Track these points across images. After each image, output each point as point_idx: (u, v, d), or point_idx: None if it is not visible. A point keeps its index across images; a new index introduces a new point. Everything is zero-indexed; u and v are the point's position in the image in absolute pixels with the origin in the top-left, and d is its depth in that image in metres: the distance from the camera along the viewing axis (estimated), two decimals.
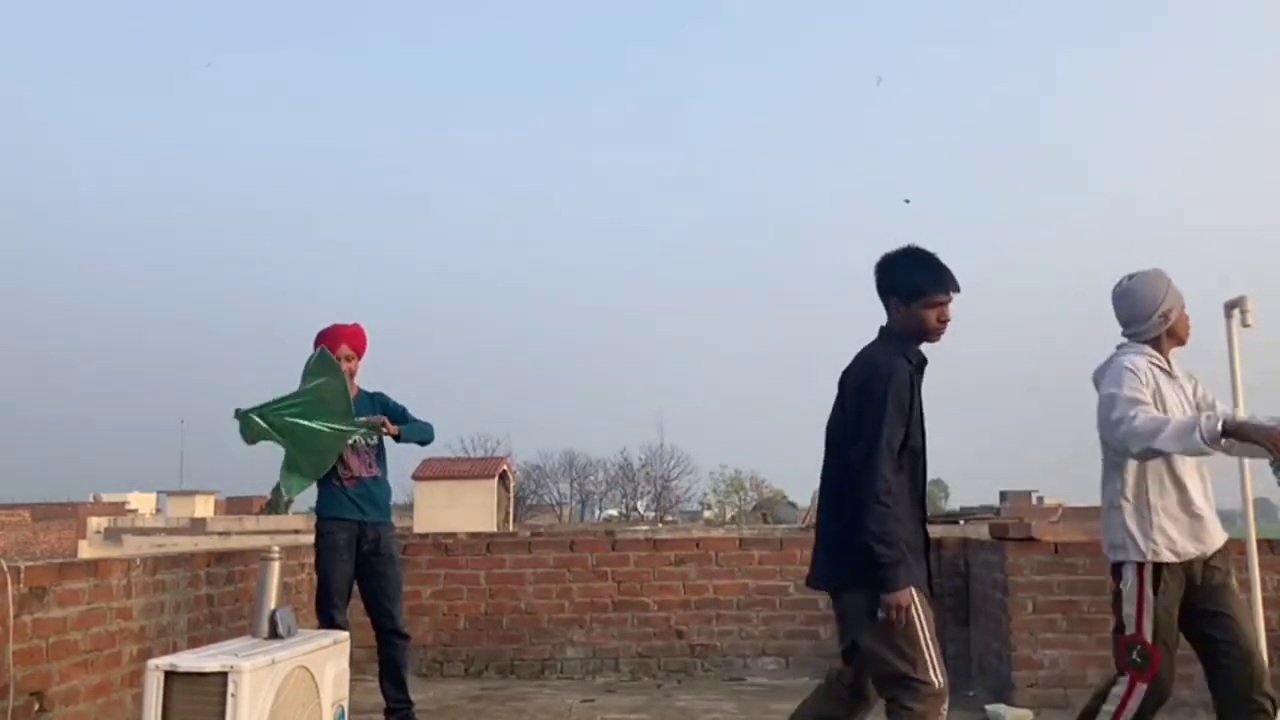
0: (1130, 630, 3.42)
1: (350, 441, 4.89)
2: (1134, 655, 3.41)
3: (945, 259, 3.39)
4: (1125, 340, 3.65)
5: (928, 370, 3.41)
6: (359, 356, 5.08)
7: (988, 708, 5.55)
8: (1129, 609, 3.43)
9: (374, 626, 5.08)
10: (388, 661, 5.10)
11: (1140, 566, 3.41)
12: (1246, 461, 4.35)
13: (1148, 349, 3.57)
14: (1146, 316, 3.57)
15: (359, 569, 4.99)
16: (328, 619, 4.88)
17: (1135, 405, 3.34)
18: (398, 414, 5.10)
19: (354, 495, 4.95)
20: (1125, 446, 3.35)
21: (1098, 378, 3.61)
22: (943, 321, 3.34)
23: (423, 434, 5.16)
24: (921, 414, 3.33)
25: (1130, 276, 3.64)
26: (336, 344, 4.96)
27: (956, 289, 3.35)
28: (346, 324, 5.08)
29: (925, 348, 3.42)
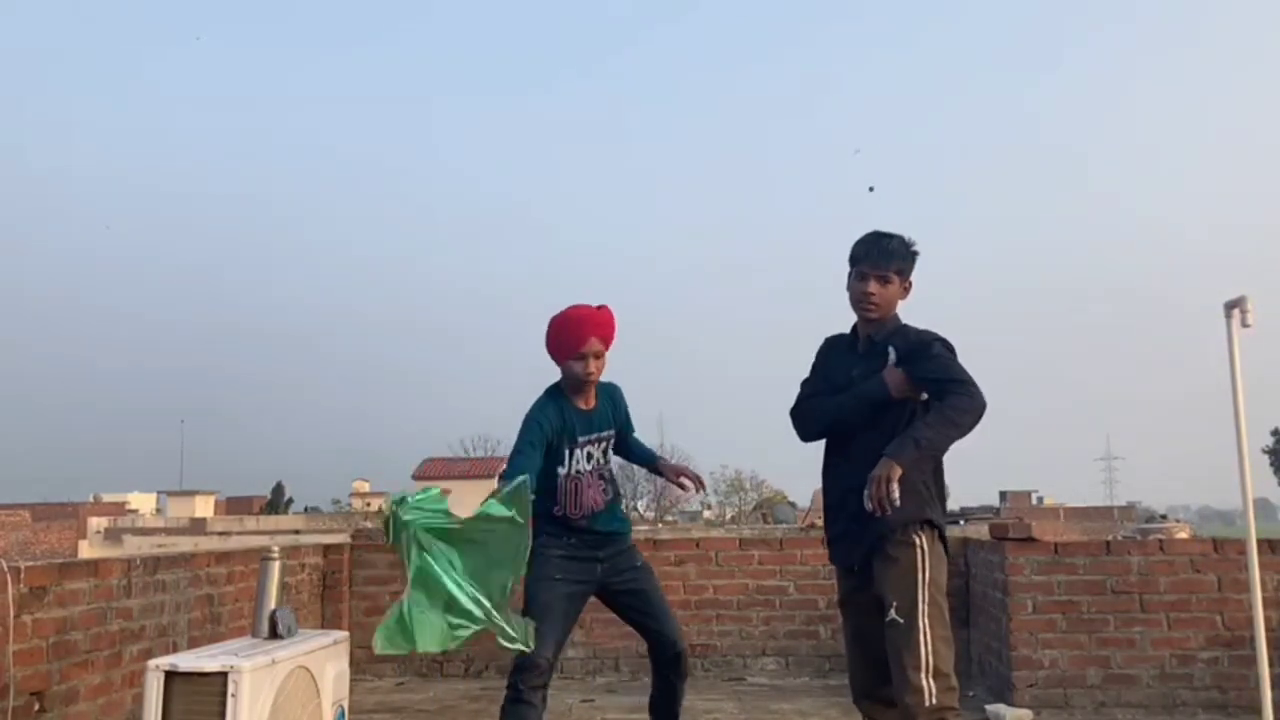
0: None
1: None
2: None
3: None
4: None
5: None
6: (607, 349, 3.83)
7: (988, 708, 5.54)
8: None
9: None
10: None
11: None
12: (1246, 461, 4.36)
13: None
14: None
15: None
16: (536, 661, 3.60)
17: None
18: (625, 421, 4.04)
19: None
20: None
21: None
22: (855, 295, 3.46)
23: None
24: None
25: None
26: (584, 339, 3.73)
27: (856, 261, 3.44)
28: (593, 307, 3.80)
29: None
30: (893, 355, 3.32)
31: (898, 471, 3.09)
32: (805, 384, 3.60)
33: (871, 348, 3.43)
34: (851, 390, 3.39)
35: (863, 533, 3.28)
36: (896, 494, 3.08)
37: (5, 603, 3.91)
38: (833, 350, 3.59)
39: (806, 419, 3.54)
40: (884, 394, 3.30)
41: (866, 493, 3.12)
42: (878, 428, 3.30)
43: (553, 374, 3.88)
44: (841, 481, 3.41)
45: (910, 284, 3.44)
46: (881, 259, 3.37)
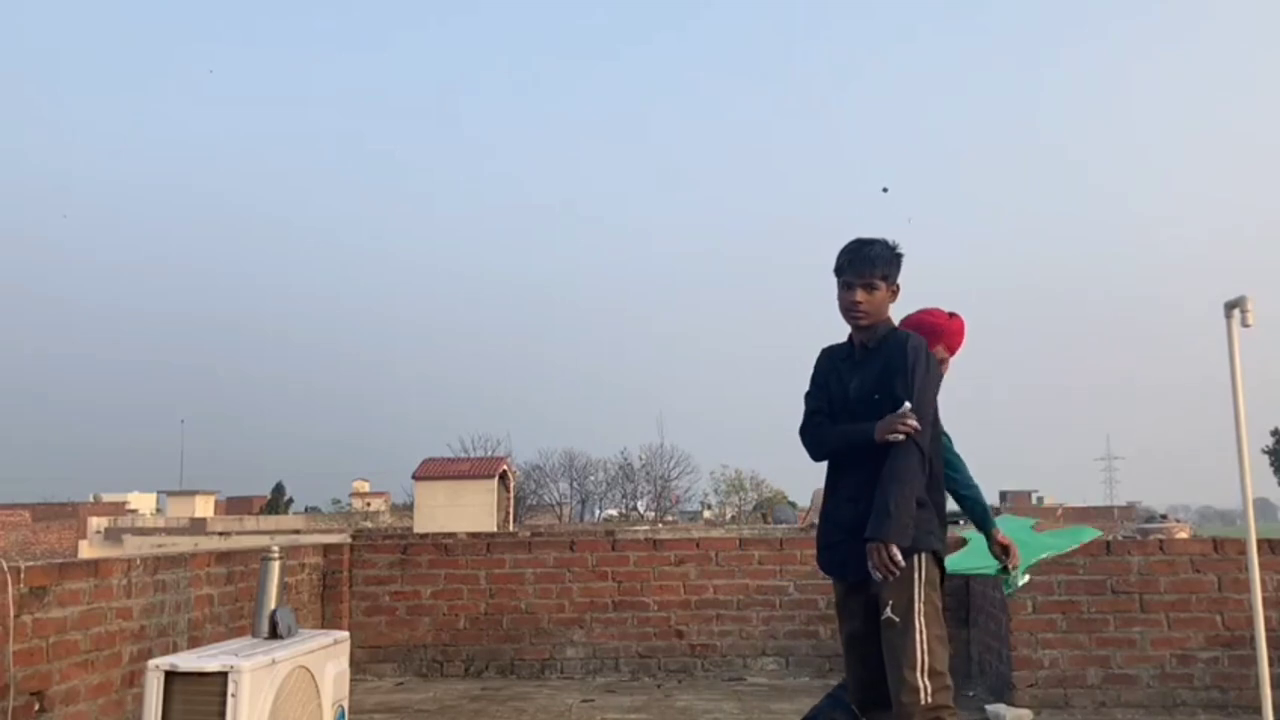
0: None
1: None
2: None
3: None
4: None
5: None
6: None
7: (988, 708, 5.54)
8: None
9: None
10: None
11: None
12: (1246, 461, 4.35)
13: None
14: None
15: None
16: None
17: None
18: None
19: None
20: None
21: None
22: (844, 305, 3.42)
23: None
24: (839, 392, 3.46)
25: None
26: (937, 343, 3.80)
27: (841, 272, 3.41)
28: (945, 314, 3.94)
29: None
30: (908, 405, 3.28)
31: (888, 543, 3.11)
32: (809, 398, 3.58)
33: (867, 355, 3.44)
34: (850, 428, 3.39)
35: (860, 546, 3.27)
36: (899, 555, 3.10)
37: (5, 603, 3.91)
38: (831, 360, 3.57)
39: (813, 444, 3.54)
40: (871, 440, 3.28)
41: (870, 564, 3.14)
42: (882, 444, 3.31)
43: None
44: (842, 493, 3.43)
45: (898, 287, 3.45)
46: (865, 267, 3.37)
